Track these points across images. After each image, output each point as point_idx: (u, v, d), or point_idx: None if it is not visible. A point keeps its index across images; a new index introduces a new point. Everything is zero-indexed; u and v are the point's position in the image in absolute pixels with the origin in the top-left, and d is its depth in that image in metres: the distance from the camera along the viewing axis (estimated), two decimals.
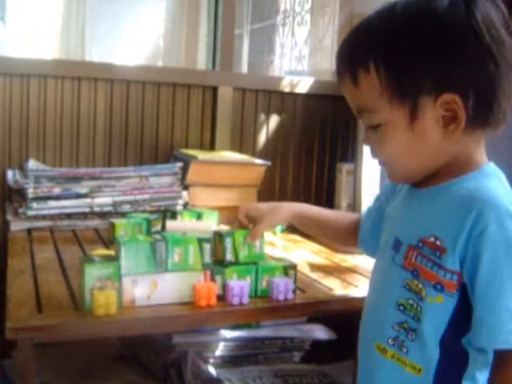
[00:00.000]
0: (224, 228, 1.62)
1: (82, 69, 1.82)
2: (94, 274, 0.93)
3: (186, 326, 1.07)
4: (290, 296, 1.04)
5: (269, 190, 2.01)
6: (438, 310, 0.79)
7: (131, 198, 1.62)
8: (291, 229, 1.73)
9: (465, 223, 0.76)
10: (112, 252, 1.15)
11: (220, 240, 1.04)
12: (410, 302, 0.82)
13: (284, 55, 4.63)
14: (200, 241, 1.00)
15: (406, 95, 0.78)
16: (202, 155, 1.74)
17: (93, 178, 1.59)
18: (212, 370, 1.58)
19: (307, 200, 2.13)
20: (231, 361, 1.65)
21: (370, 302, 0.91)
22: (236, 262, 1.05)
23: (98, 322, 0.90)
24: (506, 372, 0.76)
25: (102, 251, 1.16)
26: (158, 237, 0.99)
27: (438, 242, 0.79)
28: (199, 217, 1.53)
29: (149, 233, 1.43)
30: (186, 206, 1.69)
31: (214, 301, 1.00)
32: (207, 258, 1.01)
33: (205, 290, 0.99)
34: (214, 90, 2.00)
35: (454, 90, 0.77)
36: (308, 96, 2.14)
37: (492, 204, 0.76)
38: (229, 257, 1.04)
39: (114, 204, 1.59)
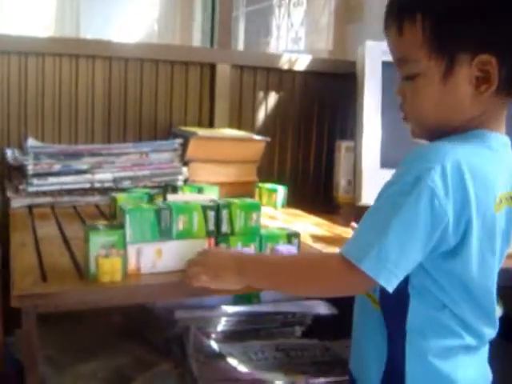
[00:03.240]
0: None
1: (79, 46, 1.81)
2: (98, 241, 0.92)
3: (190, 294, 1.06)
4: None
5: (268, 168, 2.01)
6: None
7: (131, 173, 1.61)
8: (292, 203, 1.75)
9: None
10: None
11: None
12: None
13: (280, 37, 4.62)
14: (204, 208, 1.00)
15: (445, 50, 0.82)
16: (201, 131, 1.73)
17: (93, 154, 1.59)
18: (214, 344, 1.59)
19: (306, 177, 2.13)
20: (233, 336, 1.66)
21: None
22: (231, 234, 1.04)
23: (103, 288, 0.90)
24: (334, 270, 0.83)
25: (103, 221, 1.16)
26: (162, 205, 0.99)
27: None
28: (200, 191, 1.53)
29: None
30: (186, 181, 1.69)
31: None
32: (211, 226, 1.01)
33: None
34: (212, 67, 1.99)
35: (492, 51, 0.80)
36: (307, 73, 2.13)
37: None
38: (224, 228, 1.03)
39: (115, 180, 1.58)
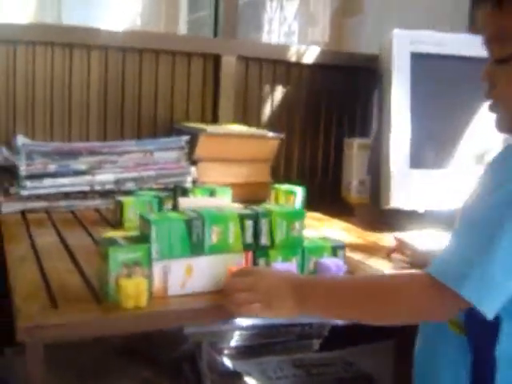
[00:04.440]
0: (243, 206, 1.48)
1: (74, 35, 1.64)
2: (119, 259, 0.77)
3: (227, 319, 0.92)
4: None
5: (274, 164, 1.86)
6: None
7: (135, 174, 1.45)
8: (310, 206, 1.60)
9: None
10: (129, 233, 1.00)
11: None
12: None
13: (272, 31, 4.47)
14: (242, 217, 0.85)
15: None
16: (210, 128, 1.58)
17: (92, 153, 1.42)
18: (228, 361, 1.44)
19: (313, 176, 2.00)
20: (247, 351, 1.52)
21: None
22: (270, 247, 0.89)
23: (126, 315, 0.75)
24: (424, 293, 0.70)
25: (120, 232, 1.00)
26: (192, 214, 0.83)
27: None
28: (212, 194, 1.39)
29: (161, 211, 1.28)
30: (194, 182, 1.54)
31: None
32: (249, 238, 0.86)
33: None
34: (216, 58, 1.84)
35: None
36: (315, 66, 1.99)
37: None
38: (264, 240, 0.88)
39: (117, 181, 1.43)
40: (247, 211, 0.87)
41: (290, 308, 0.77)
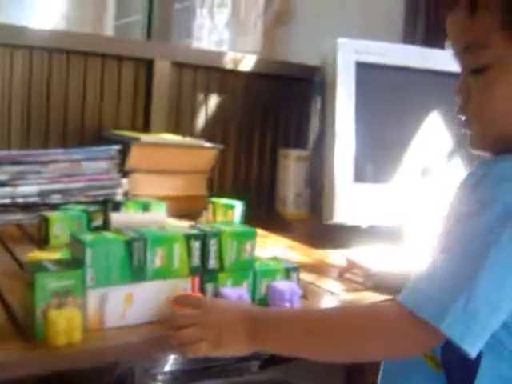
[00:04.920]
0: (176, 223, 1.38)
1: None
2: (49, 287, 0.66)
3: (173, 352, 0.82)
4: (298, 304, 0.83)
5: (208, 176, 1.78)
6: None
7: (61, 186, 1.33)
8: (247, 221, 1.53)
9: None
10: (56, 254, 0.89)
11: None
12: None
13: (201, 38, 4.39)
14: (188, 238, 0.76)
15: None
16: (144, 137, 1.48)
17: (13, 162, 1.29)
18: None
19: (248, 187, 1.93)
20: (182, 376, 1.42)
21: None
22: (219, 271, 0.81)
23: (58, 354, 0.64)
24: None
25: (46, 254, 0.89)
26: (132, 234, 0.74)
27: None
28: (145, 208, 1.29)
29: (89, 228, 1.17)
30: (126, 195, 1.43)
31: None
32: (196, 261, 0.77)
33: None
34: (149, 63, 1.74)
35: None
36: (251, 75, 1.93)
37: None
38: (212, 264, 0.79)
39: (41, 193, 1.30)
40: (194, 231, 0.78)
41: (241, 345, 0.68)
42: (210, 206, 1.47)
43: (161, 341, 0.71)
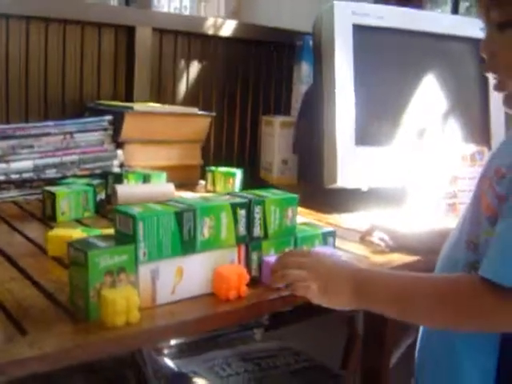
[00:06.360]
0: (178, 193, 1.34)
1: None
2: (101, 265, 0.62)
3: (227, 323, 0.80)
4: None
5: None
6: None
7: (56, 160, 1.27)
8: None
9: None
10: (77, 231, 0.84)
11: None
12: (477, 239, 0.70)
13: (162, 6, 4.27)
14: (234, 206, 0.73)
15: None
16: (137, 106, 1.42)
17: (4, 137, 1.22)
18: (169, 362, 1.32)
19: (230, 153, 1.90)
20: (188, 348, 1.41)
21: (446, 244, 0.79)
22: (264, 238, 0.78)
23: (120, 336, 0.60)
24: (481, 302, 0.63)
25: (67, 231, 0.84)
26: (180, 205, 0.70)
27: (503, 169, 0.67)
28: (146, 179, 1.26)
29: (95, 202, 1.12)
30: (121, 167, 1.38)
31: (244, 289, 0.73)
32: (242, 230, 0.74)
33: (235, 278, 0.72)
34: (129, 30, 1.68)
35: None
36: (232, 40, 1.89)
37: None
38: (257, 232, 0.77)
39: (36, 169, 1.23)
40: (238, 199, 0.75)
41: (347, 298, 0.69)
42: (209, 174, 1.44)
43: (219, 315, 0.69)
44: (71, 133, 1.31)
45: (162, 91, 1.77)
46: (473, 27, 1.37)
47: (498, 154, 0.74)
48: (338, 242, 0.91)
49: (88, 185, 1.13)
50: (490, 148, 1.42)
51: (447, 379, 0.74)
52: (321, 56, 1.40)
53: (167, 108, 1.50)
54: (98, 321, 0.63)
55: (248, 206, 0.74)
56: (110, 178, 1.22)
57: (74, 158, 1.30)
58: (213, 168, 1.44)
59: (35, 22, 1.49)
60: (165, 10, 4.33)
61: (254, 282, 0.76)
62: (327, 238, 0.85)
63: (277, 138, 1.75)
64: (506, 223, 0.62)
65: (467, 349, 0.71)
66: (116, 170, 1.33)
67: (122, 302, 0.61)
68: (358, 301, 0.69)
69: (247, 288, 0.73)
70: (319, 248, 0.82)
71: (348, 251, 0.95)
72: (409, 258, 0.94)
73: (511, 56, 0.68)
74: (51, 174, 1.25)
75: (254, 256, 0.76)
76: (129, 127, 1.38)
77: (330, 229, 0.86)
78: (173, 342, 1.38)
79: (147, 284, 0.67)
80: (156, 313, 0.67)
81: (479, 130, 1.53)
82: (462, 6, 2.16)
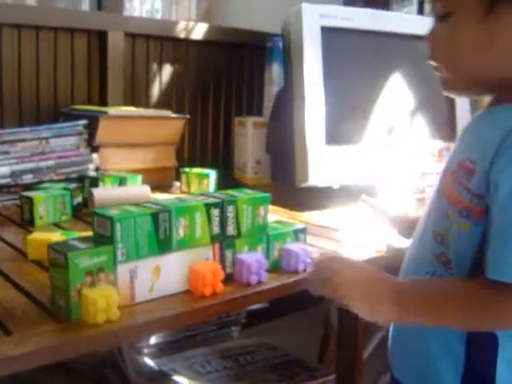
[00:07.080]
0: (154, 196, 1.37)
1: None
2: (81, 265, 0.65)
3: (204, 318, 0.82)
4: (308, 266, 0.85)
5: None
6: (463, 240, 0.69)
7: (33, 165, 1.29)
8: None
9: (494, 142, 0.66)
10: (56, 234, 0.87)
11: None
12: (445, 231, 0.72)
13: (133, 9, 4.27)
14: (208, 206, 0.76)
15: None
16: (111, 110, 1.45)
17: None
18: (150, 361, 1.35)
19: (204, 154, 1.94)
20: (167, 347, 1.43)
21: (414, 236, 0.81)
22: (237, 237, 0.82)
23: (101, 333, 0.63)
24: (496, 307, 0.65)
25: (45, 235, 0.86)
26: (155, 206, 0.73)
27: (470, 165, 0.69)
28: (122, 182, 1.28)
29: (72, 206, 1.15)
30: (97, 170, 1.40)
31: (219, 286, 0.77)
32: (216, 229, 0.78)
33: (210, 275, 0.75)
34: (101, 35, 1.70)
35: None
36: (203, 43, 1.92)
37: None
38: (230, 230, 0.80)
39: (13, 174, 1.25)
40: (211, 199, 0.78)
41: (388, 312, 0.68)
42: (183, 176, 1.46)
43: (195, 311, 0.72)
44: (47, 138, 1.33)
45: (136, 95, 1.80)
46: None
47: (461, 146, 0.76)
48: (309, 239, 0.95)
49: (65, 189, 1.16)
50: None
51: (419, 364, 0.77)
52: (290, 58, 1.43)
53: (141, 111, 1.53)
54: (80, 319, 0.65)
55: (221, 206, 0.78)
56: (86, 182, 1.24)
57: (50, 163, 1.31)
58: (187, 169, 1.47)
59: (8, 28, 1.50)
60: (136, 13, 4.34)
61: (228, 279, 0.79)
62: (298, 234, 0.88)
63: (250, 139, 1.78)
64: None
65: (438, 334, 0.75)
66: (92, 173, 1.36)
67: (102, 300, 0.64)
68: (399, 313, 0.68)
69: (222, 284, 0.76)
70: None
71: (318, 247, 0.99)
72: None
73: (448, 45, 0.73)
74: (28, 179, 1.27)
75: (228, 254, 0.80)
76: (104, 131, 1.40)
77: (301, 226, 0.90)
78: (152, 341, 1.40)
79: (126, 283, 0.70)
80: (135, 310, 0.70)
81: (446, 127, 1.58)
82: (428, 6, 2.22)
